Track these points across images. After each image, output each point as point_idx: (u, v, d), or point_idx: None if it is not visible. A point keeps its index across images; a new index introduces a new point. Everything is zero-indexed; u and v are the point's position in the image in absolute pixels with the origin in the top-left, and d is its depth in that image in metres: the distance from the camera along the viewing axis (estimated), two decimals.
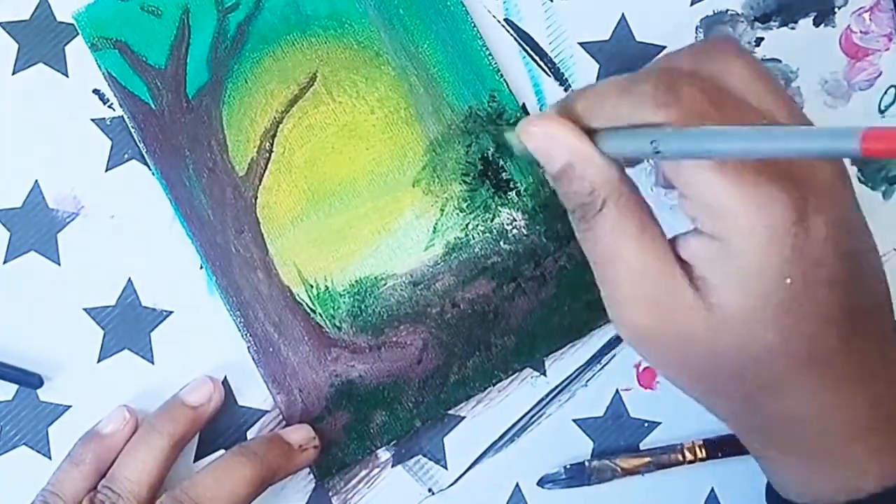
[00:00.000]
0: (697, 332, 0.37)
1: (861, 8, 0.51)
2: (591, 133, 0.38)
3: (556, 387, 0.51)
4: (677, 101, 0.35)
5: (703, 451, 0.50)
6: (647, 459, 0.50)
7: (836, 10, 0.51)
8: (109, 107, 0.50)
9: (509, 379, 0.51)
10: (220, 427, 0.50)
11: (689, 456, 0.50)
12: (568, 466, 0.50)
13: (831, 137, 0.30)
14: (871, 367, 0.38)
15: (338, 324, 0.50)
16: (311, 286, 0.50)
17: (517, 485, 0.51)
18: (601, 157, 0.37)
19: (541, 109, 0.51)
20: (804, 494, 0.40)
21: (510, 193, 0.50)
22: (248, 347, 0.49)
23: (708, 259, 0.36)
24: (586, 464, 0.50)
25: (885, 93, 0.51)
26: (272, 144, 0.50)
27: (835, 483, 0.39)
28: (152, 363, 0.50)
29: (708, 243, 0.36)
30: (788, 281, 0.35)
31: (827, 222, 0.35)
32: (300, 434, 0.49)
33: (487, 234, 0.50)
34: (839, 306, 0.36)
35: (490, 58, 0.50)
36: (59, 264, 0.49)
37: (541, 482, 0.51)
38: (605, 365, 0.51)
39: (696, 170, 0.35)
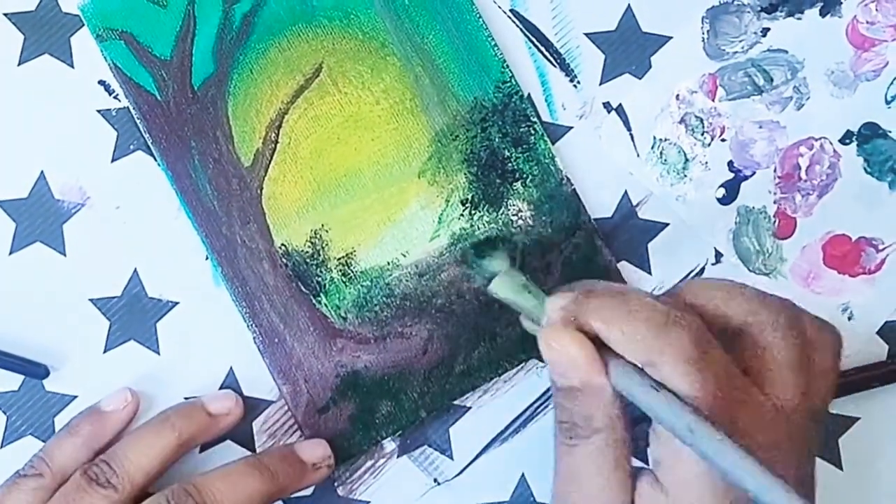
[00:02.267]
0: None
1: None
2: (605, 354, 0.38)
3: None
4: (702, 378, 0.36)
5: None
6: None
7: (842, 0, 0.51)
8: (115, 98, 0.50)
9: (515, 369, 0.51)
10: None
11: None
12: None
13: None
14: None
15: (343, 314, 0.50)
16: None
17: (523, 475, 0.51)
18: (610, 393, 0.38)
19: (546, 100, 0.50)
20: None
21: (516, 184, 0.50)
22: (254, 338, 0.49)
23: None
24: None
25: (892, 83, 0.51)
26: (278, 135, 0.50)
27: None
28: (158, 354, 0.50)
29: (655, 493, 0.38)
30: None
31: None
32: (317, 452, 0.49)
33: (493, 225, 0.50)
34: None
35: (496, 48, 0.50)
36: (65, 255, 0.49)
37: None
38: None
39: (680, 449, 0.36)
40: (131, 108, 0.49)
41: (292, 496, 0.50)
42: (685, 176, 0.51)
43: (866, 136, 0.51)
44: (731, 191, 0.51)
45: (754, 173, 0.51)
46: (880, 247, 0.51)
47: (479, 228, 0.50)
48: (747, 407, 0.37)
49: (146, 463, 0.46)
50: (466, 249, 0.49)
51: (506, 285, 0.42)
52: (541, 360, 0.50)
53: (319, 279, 0.50)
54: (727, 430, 0.35)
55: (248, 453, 0.50)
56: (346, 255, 0.50)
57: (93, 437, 0.47)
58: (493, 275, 0.43)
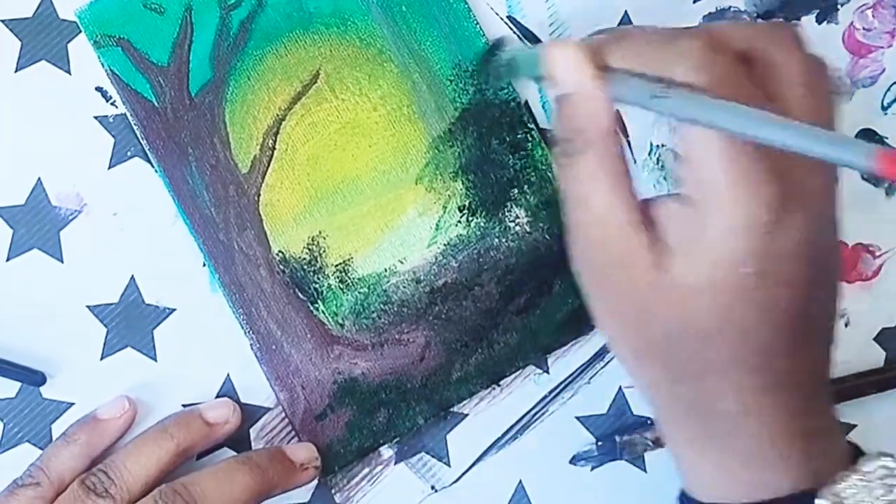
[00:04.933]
0: (642, 288, 0.37)
1: (864, 5, 0.51)
2: (610, 70, 0.38)
3: (559, 384, 0.51)
4: (713, 68, 0.35)
5: None
6: None
7: (839, 6, 0.51)
8: (112, 104, 0.50)
9: (512, 376, 0.51)
10: None
11: None
12: (600, 443, 0.50)
13: (848, 148, 0.30)
14: (809, 375, 0.38)
15: (341, 321, 0.50)
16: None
17: (520, 482, 0.51)
18: (602, 101, 0.38)
19: (543, 106, 0.51)
20: (715, 493, 0.39)
21: (513, 190, 0.50)
22: (251, 345, 0.49)
23: (677, 223, 0.37)
24: (617, 438, 0.50)
25: (888, 90, 0.51)
26: (275, 142, 0.50)
27: (748, 483, 0.39)
28: (155, 361, 0.50)
29: (683, 208, 0.36)
30: (746, 271, 0.35)
31: (803, 227, 0.35)
32: (304, 453, 0.49)
33: (490, 232, 0.50)
34: (793, 309, 0.36)
35: None
36: (62, 262, 0.49)
37: (573, 460, 0.51)
38: (608, 362, 0.51)
39: (699, 134, 0.35)
40: (128, 114, 0.49)
41: (290, 503, 0.50)
42: None
43: None
44: None
45: None
46: (877, 253, 0.51)
47: (475, 235, 0.50)
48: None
49: (144, 472, 0.45)
50: (481, 58, 0.49)
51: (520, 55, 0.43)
52: (538, 366, 0.50)
53: (317, 286, 0.49)
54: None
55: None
56: (344, 261, 0.50)
57: (90, 445, 0.47)
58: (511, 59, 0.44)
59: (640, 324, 0.38)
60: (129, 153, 0.50)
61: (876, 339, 0.51)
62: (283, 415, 0.50)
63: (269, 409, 0.50)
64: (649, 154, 0.51)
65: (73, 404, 0.49)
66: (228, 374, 0.50)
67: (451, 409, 0.50)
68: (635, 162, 0.51)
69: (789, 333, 0.37)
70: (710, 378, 0.38)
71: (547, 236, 0.50)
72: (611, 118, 0.38)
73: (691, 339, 0.37)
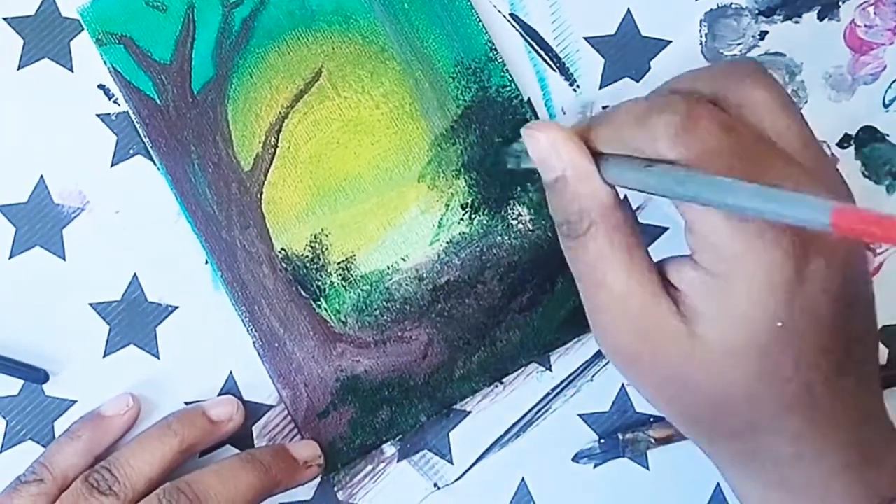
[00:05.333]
0: (677, 360, 0.37)
1: (865, 2, 0.51)
2: (598, 157, 0.38)
3: (562, 382, 0.51)
4: (693, 139, 0.35)
5: None
6: None
7: (840, 3, 0.51)
8: (115, 102, 0.50)
9: (515, 374, 0.51)
10: None
11: None
12: (602, 440, 0.50)
13: (806, 208, 0.30)
14: (853, 408, 0.38)
15: (343, 319, 0.50)
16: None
17: (522, 479, 0.51)
18: (598, 180, 0.37)
19: (546, 105, 0.51)
20: None
21: (516, 188, 0.50)
22: (254, 342, 0.49)
23: (702, 292, 0.36)
24: (619, 436, 0.50)
25: (890, 87, 0.51)
26: (277, 139, 0.50)
27: None
28: (158, 358, 0.50)
29: (705, 277, 0.36)
30: (779, 324, 0.35)
31: (825, 269, 0.35)
32: (307, 451, 0.49)
33: (493, 229, 0.50)
34: (825, 349, 0.36)
35: (495, 53, 0.50)
36: (65, 259, 0.49)
37: (575, 458, 0.51)
38: None
39: (703, 208, 0.35)
40: (131, 112, 0.49)
41: (293, 501, 0.50)
42: None
43: (864, 139, 0.51)
44: None
45: None
46: (878, 251, 0.51)
47: (478, 233, 0.50)
48: (774, 170, 0.36)
49: (148, 469, 0.45)
50: (499, 149, 0.49)
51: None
52: (541, 364, 0.50)
53: (319, 283, 0.49)
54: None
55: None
56: (346, 259, 0.50)
57: (94, 441, 0.47)
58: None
59: (682, 395, 0.38)
60: (131, 151, 0.50)
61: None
62: (286, 413, 0.50)
63: (271, 407, 0.50)
64: None
65: (75, 402, 0.49)
66: (231, 372, 0.50)
67: (454, 407, 0.50)
68: None
69: (826, 374, 0.37)
70: (762, 432, 0.38)
71: (550, 234, 0.50)
72: (614, 194, 0.38)
73: (737, 404, 0.37)
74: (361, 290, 0.50)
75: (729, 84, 0.38)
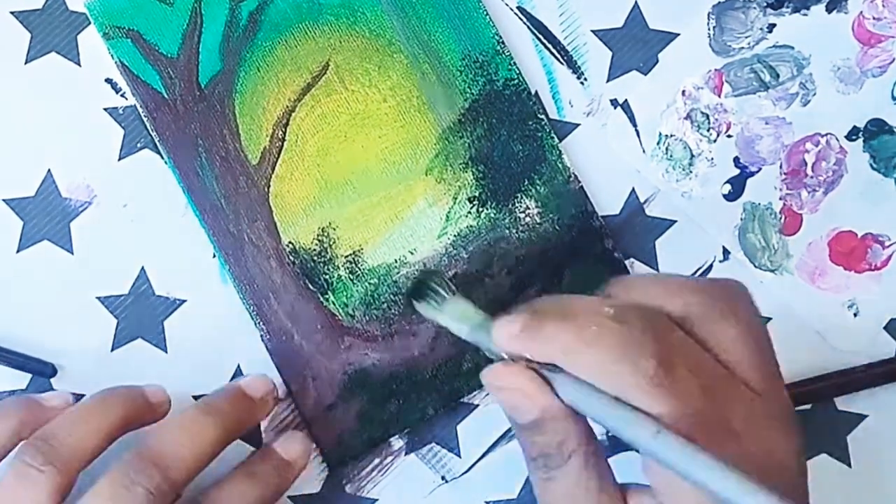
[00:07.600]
0: None
1: None
2: (552, 366, 0.37)
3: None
4: (672, 392, 0.35)
5: None
6: None
7: None
8: (122, 96, 0.50)
9: None
10: None
11: None
12: (609, 434, 0.50)
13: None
14: None
15: (351, 312, 0.50)
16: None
17: None
18: (570, 412, 0.37)
19: (553, 98, 0.51)
20: None
21: (523, 181, 0.50)
22: (262, 336, 0.49)
23: None
24: None
25: None
26: (284, 133, 0.50)
27: None
28: (165, 352, 0.50)
29: None
30: None
31: None
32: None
33: (500, 222, 0.50)
34: None
35: (503, 45, 0.50)
36: (73, 253, 0.49)
37: None
38: None
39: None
40: (138, 106, 0.49)
41: (301, 494, 0.50)
42: (691, 172, 0.51)
43: (872, 132, 0.51)
44: (736, 187, 0.51)
45: (760, 169, 0.51)
46: (886, 243, 0.51)
47: (485, 226, 0.50)
48: (738, 403, 0.37)
49: (194, 465, 0.43)
50: (407, 298, 0.48)
51: (448, 315, 0.43)
52: None
53: (327, 277, 0.49)
54: (724, 436, 0.35)
55: (255, 450, 0.49)
56: (354, 252, 0.50)
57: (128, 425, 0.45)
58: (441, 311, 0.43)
59: None
60: (138, 145, 0.50)
61: (886, 328, 0.51)
62: (294, 406, 0.50)
63: (279, 400, 0.50)
64: (658, 144, 0.51)
65: (83, 396, 0.49)
66: (239, 365, 0.50)
67: (462, 400, 0.50)
68: (643, 152, 0.51)
69: None
70: None
71: (557, 227, 0.50)
72: (584, 420, 0.38)
73: None
74: (369, 283, 0.50)
75: (703, 310, 0.38)
